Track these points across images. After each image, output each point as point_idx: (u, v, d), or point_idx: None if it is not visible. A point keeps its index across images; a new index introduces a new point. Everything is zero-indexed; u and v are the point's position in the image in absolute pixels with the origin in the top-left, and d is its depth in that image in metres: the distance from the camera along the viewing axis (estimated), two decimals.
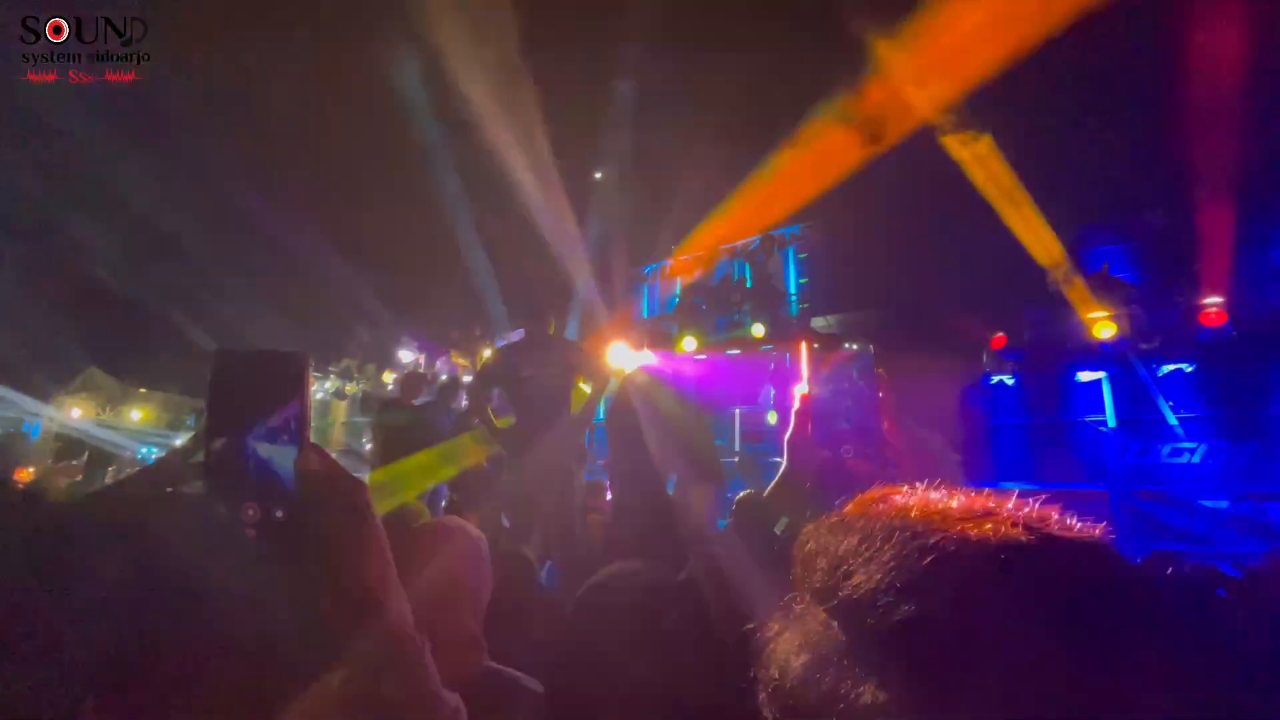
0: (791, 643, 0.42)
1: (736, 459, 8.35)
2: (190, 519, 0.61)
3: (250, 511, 0.59)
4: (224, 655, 0.67)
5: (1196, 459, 6.38)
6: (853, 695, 0.37)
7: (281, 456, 0.60)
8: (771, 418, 8.46)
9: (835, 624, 0.40)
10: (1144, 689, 0.33)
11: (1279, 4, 5.89)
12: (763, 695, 0.43)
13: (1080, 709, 0.32)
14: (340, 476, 0.62)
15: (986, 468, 7.39)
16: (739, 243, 11.07)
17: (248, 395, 0.61)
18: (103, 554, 0.60)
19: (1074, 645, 0.34)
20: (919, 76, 6.78)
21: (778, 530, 0.72)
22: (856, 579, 0.39)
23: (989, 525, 0.40)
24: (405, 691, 0.61)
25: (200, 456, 0.61)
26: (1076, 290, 6.78)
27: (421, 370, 11.02)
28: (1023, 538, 0.39)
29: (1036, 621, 0.34)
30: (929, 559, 0.37)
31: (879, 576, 0.39)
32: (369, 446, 12.57)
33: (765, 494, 0.77)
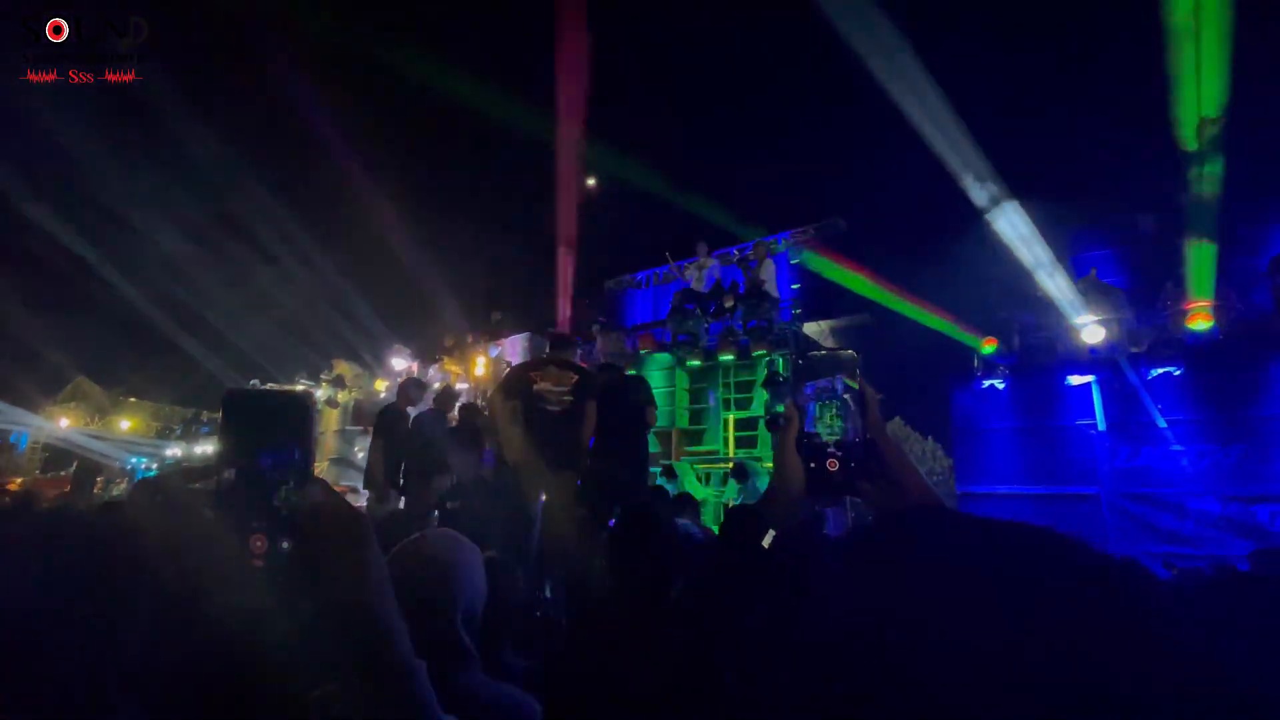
0: None
1: (730, 464, 8.37)
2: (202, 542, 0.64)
3: (258, 543, 0.62)
4: (233, 671, 0.69)
5: (1185, 461, 6.43)
6: None
7: (287, 489, 0.64)
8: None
9: None
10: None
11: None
12: None
13: None
14: (342, 509, 0.66)
15: (978, 472, 7.43)
16: (732, 248, 11.12)
17: (255, 431, 0.64)
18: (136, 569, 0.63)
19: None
20: None
21: (765, 543, 0.73)
22: None
23: None
24: (400, 713, 0.62)
25: (209, 486, 0.65)
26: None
27: (415, 377, 10.97)
28: None
29: None
30: None
31: None
32: (361, 455, 12.52)
33: (754, 506, 0.77)
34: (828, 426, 0.78)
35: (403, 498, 5.82)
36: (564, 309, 10.67)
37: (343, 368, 14.46)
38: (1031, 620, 0.36)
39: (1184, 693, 0.35)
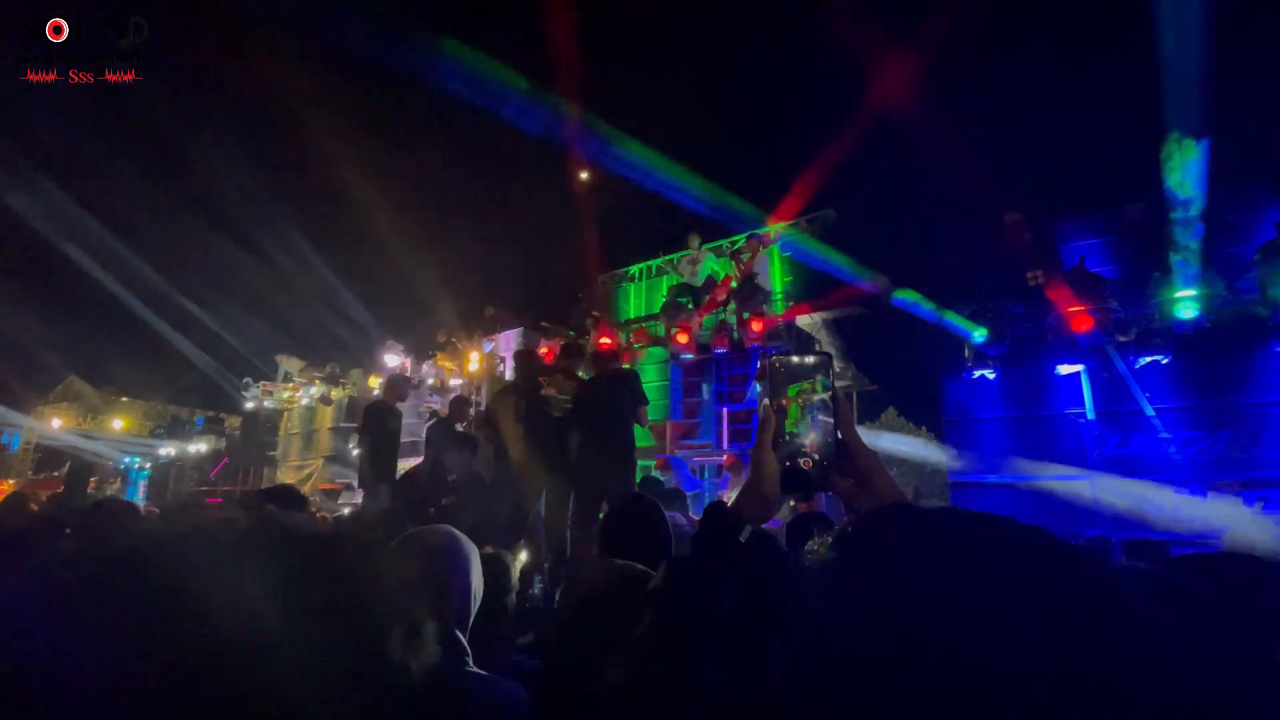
0: None
1: (724, 456, 8.42)
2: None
3: None
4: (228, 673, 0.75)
5: (1173, 449, 6.50)
6: None
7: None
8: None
9: None
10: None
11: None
12: None
13: None
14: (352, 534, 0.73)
15: (970, 461, 7.49)
16: (725, 240, 11.12)
17: None
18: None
19: None
20: None
21: (741, 539, 0.75)
22: None
23: None
24: (392, 712, 0.66)
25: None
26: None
27: (408, 374, 10.96)
28: None
29: None
30: None
31: None
32: (356, 452, 12.53)
33: (730, 503, 0.80)
34: (808, 427, 0.80)
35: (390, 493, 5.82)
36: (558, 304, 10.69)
37: (289, 363, 14.50)
38: (997, 613, 0.38)
39: (1142, 672, 0.37)
